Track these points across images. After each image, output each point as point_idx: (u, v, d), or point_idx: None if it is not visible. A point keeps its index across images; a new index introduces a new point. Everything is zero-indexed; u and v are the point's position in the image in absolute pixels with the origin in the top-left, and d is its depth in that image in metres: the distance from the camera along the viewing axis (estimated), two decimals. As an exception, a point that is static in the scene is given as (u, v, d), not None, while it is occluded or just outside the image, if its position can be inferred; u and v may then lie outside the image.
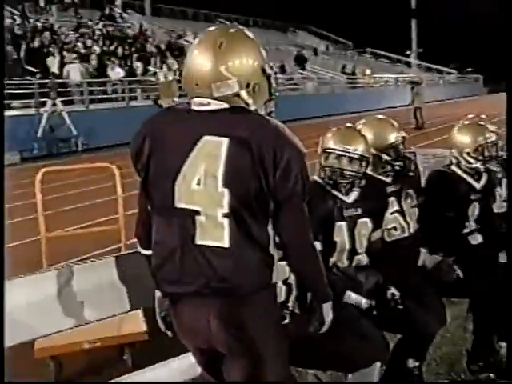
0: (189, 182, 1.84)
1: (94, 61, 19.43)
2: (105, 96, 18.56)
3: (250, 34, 1.95)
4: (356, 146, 2.81)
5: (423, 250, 3.22)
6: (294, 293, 2.56)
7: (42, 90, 15.58)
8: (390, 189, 3.14)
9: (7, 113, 13.14)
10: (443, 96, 36.23)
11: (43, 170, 4.76)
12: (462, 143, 3.36)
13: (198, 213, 1.83)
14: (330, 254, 2.77)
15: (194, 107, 1.90)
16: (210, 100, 1.87)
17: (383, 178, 3.14)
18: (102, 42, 22.25)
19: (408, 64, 42.72)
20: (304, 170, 1.86)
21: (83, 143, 15.39)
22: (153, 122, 1.95)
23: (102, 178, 8.98)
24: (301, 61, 31.78)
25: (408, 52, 44.03)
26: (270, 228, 1.90)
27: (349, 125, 2.99)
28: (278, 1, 44.07)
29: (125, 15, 28.58)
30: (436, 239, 3.28)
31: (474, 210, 3.36)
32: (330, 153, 2.83)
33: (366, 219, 2.84)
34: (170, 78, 13.96)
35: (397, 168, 3.12)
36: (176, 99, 13.55)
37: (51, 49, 18.90)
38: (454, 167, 3.41)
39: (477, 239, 3.36)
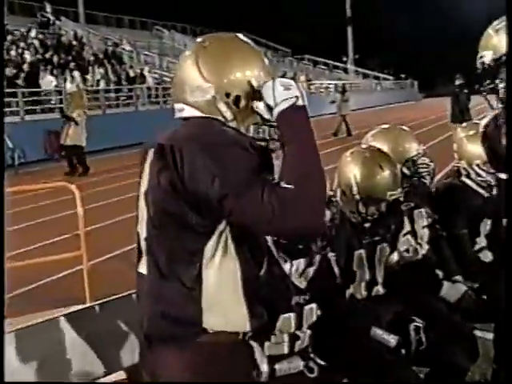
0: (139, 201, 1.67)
1: (26, 69, 18.50)
2: (39, 107, 17.70)
3: (250, 43, 1.71)
4: (397, 190, 2.53)
5: (440, 275, 2.95)
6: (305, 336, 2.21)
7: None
8: (402, 207, 2.87)
9: None
10: (381, 102, 37.02)
11: None
12: (472, 153, 3.12)
13: (139, 238, 1.66)
14: (347, 285, 2.46)
15: (175, 115, 1.71)
16: (184, 105, 1.66)
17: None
18: (35, 50, 21.28)
19: (345, 70, 43.44)
20: (219, 159, 1.47)
21: (20, 156, 14.53)
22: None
23: (48, 194, 8.46)
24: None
25: (344, 59, 44.81)
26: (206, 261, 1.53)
27: (364, 146, 2.69)
28: (215, 8, 43.85)
29: (58, 22, 27.52)
30: (448, 260, 3.03)
31: (486, 226, 3.14)
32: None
33: (385, 244, 2.56)
34: (75, 88, 13.48)
35: (413, 183, 2.84)
36: (86, 111, 13.10)
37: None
38: (464, 178, 3.18)
39: (487, 257, 3.15)
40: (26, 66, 18.77)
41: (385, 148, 2.76)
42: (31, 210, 8.27)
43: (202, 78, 1.61)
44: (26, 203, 8.30)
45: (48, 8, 27.40)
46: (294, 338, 2.13)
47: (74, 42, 24.47)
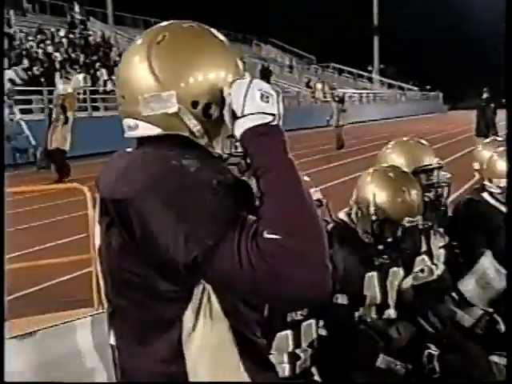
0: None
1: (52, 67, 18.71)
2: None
3: (217, 34, 1.29)
4: (416, 217, 2.41)
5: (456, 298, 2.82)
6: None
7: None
8: (419, 226, 2.75)
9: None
10: (405, 113, 36.68)
11: (6, 190, 4.13)
12: (499, 170, 2.99)
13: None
14: (356, 307, 2.35)
15: (125, 133, 1.30)
16: (137, 121, 1.25)
17: None
18: (64, 50, 21.54)
19: (370, 80, 43.18)
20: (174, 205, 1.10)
21: (42, 154, 14.65)
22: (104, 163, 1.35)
23: (62, 193, 8.46)
24: (266, 74, 31.59)
25: (370, 68, 44.56)
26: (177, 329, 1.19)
27: (387, 165, 2.58)
28: (243, 13, 43.97)
29: (87, 23, 27.87)
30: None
31: None
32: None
33: (399, 268, 2.44)
34: (70, 90, 13.06)
35: (429, 197, 2.72)
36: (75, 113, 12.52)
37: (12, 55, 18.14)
38: (485, 195, 3.05)
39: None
40: (52, 64, 18.97)
41: (401, 160, 2.66)
42: (42, 210, 8.28)
43: (159, 83, 1.21)
44: (36, 203, 8.32)
45: (76, 8, 27.74)
46: (294, 358, 2.03)
47: (99, 41, 24.68)
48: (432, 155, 2.84)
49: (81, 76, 16.32)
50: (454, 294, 2.85)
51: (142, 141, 1.27)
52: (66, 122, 11.79)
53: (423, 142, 2.98)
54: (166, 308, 1.18)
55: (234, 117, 1.17)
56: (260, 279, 1.04)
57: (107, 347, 2.53)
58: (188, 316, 1.18)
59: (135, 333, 1.23)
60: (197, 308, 1.18)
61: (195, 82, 1.22)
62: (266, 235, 1.05)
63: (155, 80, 1.21)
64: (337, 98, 17.30)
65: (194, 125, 1.22)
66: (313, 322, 2.07)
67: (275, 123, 1.16)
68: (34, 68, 18.34)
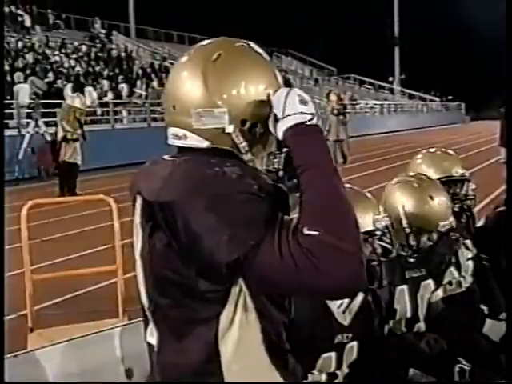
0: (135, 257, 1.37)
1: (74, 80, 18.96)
2: (90, 117, 18.10)
3: (262, 52, 1.37)
4: (449, 220, 2.40)
5: (485, 311, 2.78)
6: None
7: (26, 111, 15.05)
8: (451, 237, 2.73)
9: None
10: (426, 123, 36.43)
11: (30, 202, 4.10)
12: None
13: (143, 303, 1.39)
14: (386, 320, 2.34)
15: (168, 140, 1.37)
16: (187, 132, 1.31)
17: None
18: (87, 63, 21.87)
19: (391, 91, 43.02)
20: (218, 214, 1.15)
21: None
22: (139, 169, 1.42)
23: (85, 205, 8.55)
24: (287, 86, 31.68)
25: (391, 79, 44.39)
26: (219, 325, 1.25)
27: (410, 174, 2.57)
28: (263, 25, 44.23)
29: (110, 37, 28.30)
30: (495, 295, 2.86)
31: None
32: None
33: (430, 281, 2.42)
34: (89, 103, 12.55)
35: (455, 209, 2.69)
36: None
37: (37, 69, 18.46)
38: None
39: (539, 293, 2.95)
40: (74, 78, 19.25)
41: (430, 170, 2.64)
42: (66, 221, 8.36)
43: (212, 99, 1.28)
44: (60, 214, 8.40)
45: (98, 23, 28.18)
46: (332, 378, 2.02)
47: (123, 55, 25.00)
48: (459, 167, 2.82)
49: (94, 91, 16.30)
50: (482, 307, 2.81)
51: (184, 149, 1.33)
52: (83, 136, 11.63)
53: (451, 152, 2.96)
54: (205, 307, 1.24)
55: (276, 120, 1.25)
56: (301, 274, 1.10)
57: (133, 358, 2.56)
58: (225, 315, 1.24)
59: (175, 331, 1.28)
60: (233, 308, 1.24)
61: (245, 101, 1.29)
62: (306, 231, 1.11)
63: (209, 96, 1.29)
64: (335, 112, 15.93)
65: (241, 142, 1.29)
66: (355, 343, 2.05)
67: (314, 122, 1.24)
68: (59, 81, 18.62)
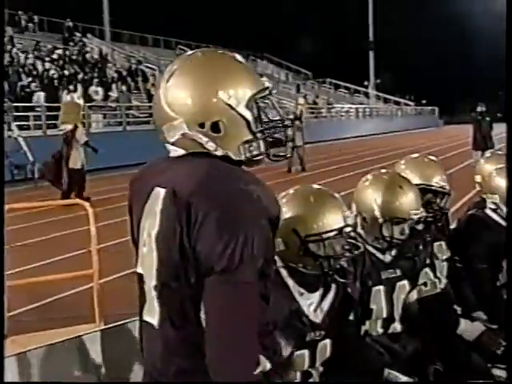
0: (140, 243, 1.51)
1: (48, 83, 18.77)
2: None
3: (226, 57, 1.50)
4: (420, 209, 2.42)
5: (458, 312, 2.83)
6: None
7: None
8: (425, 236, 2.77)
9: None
10: (400, 127, 36.89)
11: (7, 206, 4.08)
12: (501, 186, 2.99)
13: (143, 281, 1.50)
14: (362, 321, 2.37)
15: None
16: (169, 146, 1.50)
17: (414, 226, 2.75)
18: (61, 66, 21.63)
19: (366, 95, 43.44)
20: (240, 230, 1.32)
21: (40, 170, 14.64)
22: (140, 170, 1.61)
23: (62, 209, 8.46)
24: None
25: (366, 83, 44.83)
26: None
27: (382, 171, 2.60)
28: (239, 29, 44.29)
29: (85, 39, 28.05)
30: (467, 295, 2.92)
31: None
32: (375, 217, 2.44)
33: (405, 282, 2.45)
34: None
35: (430, 215, 2.74)
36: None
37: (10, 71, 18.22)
38: (487, 211, 3.07)
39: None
40: (48, 81, 19.04)
41: (410, 176, 2.68)
42: (43, 226, 8.27)
43: (172, 114, 1.45)
44: (37, 218, 8.30)
45: (69, 24, 27.88)
46: (306, 376, 2.03)
47: (96, 57, 24.80)
48: (441, 178, 2.83)
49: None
50: (456, 308, 2.86)
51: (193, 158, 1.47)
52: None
53: (435, 159, 2.98)
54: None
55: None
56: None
57: (110, 363, 2.55)
58: None
59: (180, 312, 1.40)
60: None
61: (196, 107, 1.43)
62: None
63: (168, 112, 1.45)
64: (292, 116, 15.56)
65: (206, 142, 1.44)
66: (328, 341, 2.07)
67: None
68: (33, 84, 18.40)
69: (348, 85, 43.50)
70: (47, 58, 21.63)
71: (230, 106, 1.43)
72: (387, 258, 2.46)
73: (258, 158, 1.46)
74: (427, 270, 2.79)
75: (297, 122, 15.38)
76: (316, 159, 17.79)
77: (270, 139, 1.48)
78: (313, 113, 31.78)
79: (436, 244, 2.87)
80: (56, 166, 11.05)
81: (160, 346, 1.44)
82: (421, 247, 2.56)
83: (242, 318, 1.33)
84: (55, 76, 19.96)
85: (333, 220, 1.99)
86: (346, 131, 30.28)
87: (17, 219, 6.99)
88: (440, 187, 2.80)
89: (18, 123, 14.77)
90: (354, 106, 36.19)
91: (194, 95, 1.43)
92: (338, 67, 44.95)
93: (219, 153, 1.44)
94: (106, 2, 28.19)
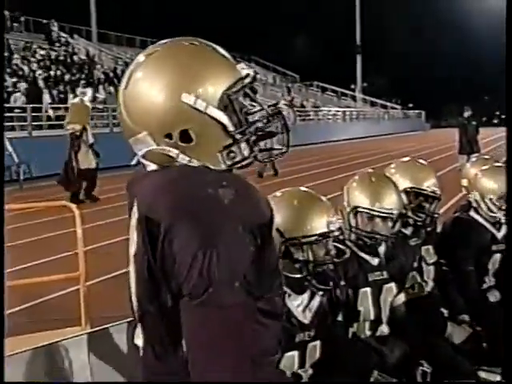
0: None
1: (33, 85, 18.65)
2: (48, 123, 17.80)
3: (190, 48, 1.26)
4: (393, 205, 2.41)
5: (445, 315, 2.85)
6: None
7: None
8: (411, 243, 2.79)
9: None
10: (387, 131, 37.07)
11: None
12: (486, 188, 3.04)
13: (131, 301, 1.35)
14: (350, 323, 2.37)
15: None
16: (142, 159, 1.29)
17: (403, 230, 2.78)
18: (47, 67, 21.50)
19: (354, 98, 43.63)
20: (207, 243, 1.11)
21: (25, 172, 14.53)
22: (134, 173, 1.39)
23: (48, 211, 8.40)
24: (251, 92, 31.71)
25: (353, 86, 45.03)
26: None
27: (378, 173, 2.61)
28: (226, 30, 44.31)
29: (71, 40, 27.90)
30: (454, 298, 2.94)
31: (495, 263, 3.05)
32: (360, 212, 2.44)
33: (392, 284, 2.47)
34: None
35: (420, 219, 2.76)
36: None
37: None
38: (473, 213, 3.09)
39: (496, 296, 3.05)
40: (34, 82, 18.91)
41: (400, 180, 2.70)
42: (30, 227, 8.20)
43: (134, 127, 1.25)
44: (25, 220, 8.24)
45: (55, 25, 27.70)
46: (296, 378, 2.02)
47: (83, 57, 24.67)
48: (433, 182, 2.85)
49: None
50: (443, 311, 2.88)
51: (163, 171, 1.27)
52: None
53: (425, 163, 3.01)
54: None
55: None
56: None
57: (96, 367, 2.53)
58: None
59: (160, 338, 1.25)
60: None
61: (160, 117, 1.22)
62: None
63: (131, 124, 1.25)
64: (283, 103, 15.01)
65: (177, 154, 1.23)
66: (318, 343, 2.06)
67: None
68: (19, 85, 18.27)
69: (335, 88, 43.67)
70: (33, 59, 21.49)
71: (197, 109, 1.21)
72: (375, 260, 2.47)
73: (243, 163, 1.25)
74: (414, 273, 2.81)
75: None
76: (302, 162, 17.83)
77: (257, 136, 1.26)
78: (300, 115, 31.85)
79: (424, 248, 2.90)
80: (66, 169, 10.89)
81: (145, 373, 1.32)
82: (407, 251, 2.57)
83: (229, 351, 1.11)
84: (41, 77, 19.82)
85: (314, 225, 1.95)
86: (333, 134, 30.39)
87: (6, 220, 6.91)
88: (431, 192, 2.81)
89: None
90: (341, 109, 36.33)
91: (153, 102, 1.21)
92: (325, 70, 45.14)
93: (195, 164, 1.23)
94: (92, 3, 28.08)
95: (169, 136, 1.21)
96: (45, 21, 28.49)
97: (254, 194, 1.22)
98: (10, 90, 17.91)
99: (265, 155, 1.30)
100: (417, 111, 48.21)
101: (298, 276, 1.96)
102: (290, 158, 18.14)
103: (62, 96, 19.33)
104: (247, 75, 1.27)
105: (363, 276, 2.41)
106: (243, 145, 1.24)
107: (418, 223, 2.78)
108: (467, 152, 13.67)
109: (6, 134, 14.29)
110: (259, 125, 1.26)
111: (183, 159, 1.22)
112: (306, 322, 2.03)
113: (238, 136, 1.23)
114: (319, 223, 1.97)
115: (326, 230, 1.96)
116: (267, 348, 1.28)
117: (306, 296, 2.04)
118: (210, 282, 1.10)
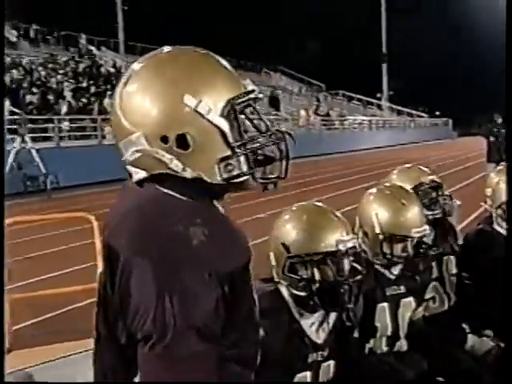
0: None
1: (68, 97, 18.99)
2: (77, 133, 18.10)
3: (195, 54, 1.21)
4: (422, 227, 2.31)
5: (467, 330, 2.75)
6: None
7: (11, 127, 14.99)
8: (430, 252, 2.69)
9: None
10: (413, 139, 36.71)
11: (11, 219, 4.06)
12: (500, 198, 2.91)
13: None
14: (367, 339, 2.29)
15: None
16: (129, 167, 1.19)
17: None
18: (75, 79, 21.88)
19: (379, 107, 43.35)
20: (166, 285, 1.03)
21: (52, 182, 14.74)
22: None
23: (69, 222, 8.46)
24: (274, 102, 31.75)
25: (379, 95, 44.74)
26: None
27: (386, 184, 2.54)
28: (252, 41, 44.53)
29: (98, 52, 28.36)
30: (477, 313, 2.82)
31: None
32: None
33: (410, 298, 2.38)
34: None
35: (430, 217, 2.67)
36: None
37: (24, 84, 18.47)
38: (496, 226, 2.97)
39: (520, 311, 2.92)
40: (66, 94, 19.25)
41: (402, 183, 2.64)
42: (50, 238, 8.27)
43: (129, 127, 1.15)
44: (46, 231, 8.31)
45: (83, 38, 28.20)
46: None
47: (112, 70, 25.04)
48: (429, 176, 2.80)
49: None
50: (464, 325, 2.78)
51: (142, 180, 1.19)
52: None
53: (421, 166, 2.97)
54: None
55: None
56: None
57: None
58: None
59: (114, 375, 1.18)
60: None
61: (158, 117, 1.14)
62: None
63: (126, 124, 1.16)
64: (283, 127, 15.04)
65: (170, 160, 1.13)
66: (331, 362, 1.98)
67: None
68: (49, 97, 18.60)
69: (361, 97, 43.44)
70: (61, 71, 21.87)
71: (199, 113, 1.13)
72: (392, 274, 2.38)
73: (239, 179, 1.15)
74: (436, 283, 2.71)
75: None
76: (327, 171, 17.73)
77: (257, 156, 1.17)
78: (325, 125, 31.74)
79: (445, 258, 2.80)
80: None
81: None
82: (423, 265, 2.46)
83: None
84: (68, 89, 20.17)
85: (321, 243, 1.85)
86: (358, 143, 30.20)
87: (22, 232, 6.99)
88: (430, 182, 2.77)
89: (31, 135, 14.91)
90: (366, 118, 36.11)
91: (152, 101, 1.13)
92: (351, 79, 44.91)
93: (188, 174, 1.13)
94: (120, 15, 28.51)
95: (164, 139, 1.13)
96: (73, 33, 29.04)
97: (229, 235, 1.14)
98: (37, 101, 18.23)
99: (262, 178, 1.20)
100: (444, 119, 47.67)
101: (303, 294, 1.88)
102: (315, 167, 18.07)
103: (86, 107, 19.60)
104: (252, 91, 1.20)
105: (380, 290, 2.33)
106: (242, 159, 1.15)
107: (437, 216, 2.72)
108: (496, 160, 13.39)
109: (34, 145, 14.58)
110: (260, 142, 1.18)
111: (176, 166, 1.13)
112: (320, 341, 1.95)
113: (238, 150, 1.15)
114: (327, 241, 1.86)
115: (333, 249, 1.86)
116: None
117: (319, 315, 1.95)
118: (165, 331, 1.02)
